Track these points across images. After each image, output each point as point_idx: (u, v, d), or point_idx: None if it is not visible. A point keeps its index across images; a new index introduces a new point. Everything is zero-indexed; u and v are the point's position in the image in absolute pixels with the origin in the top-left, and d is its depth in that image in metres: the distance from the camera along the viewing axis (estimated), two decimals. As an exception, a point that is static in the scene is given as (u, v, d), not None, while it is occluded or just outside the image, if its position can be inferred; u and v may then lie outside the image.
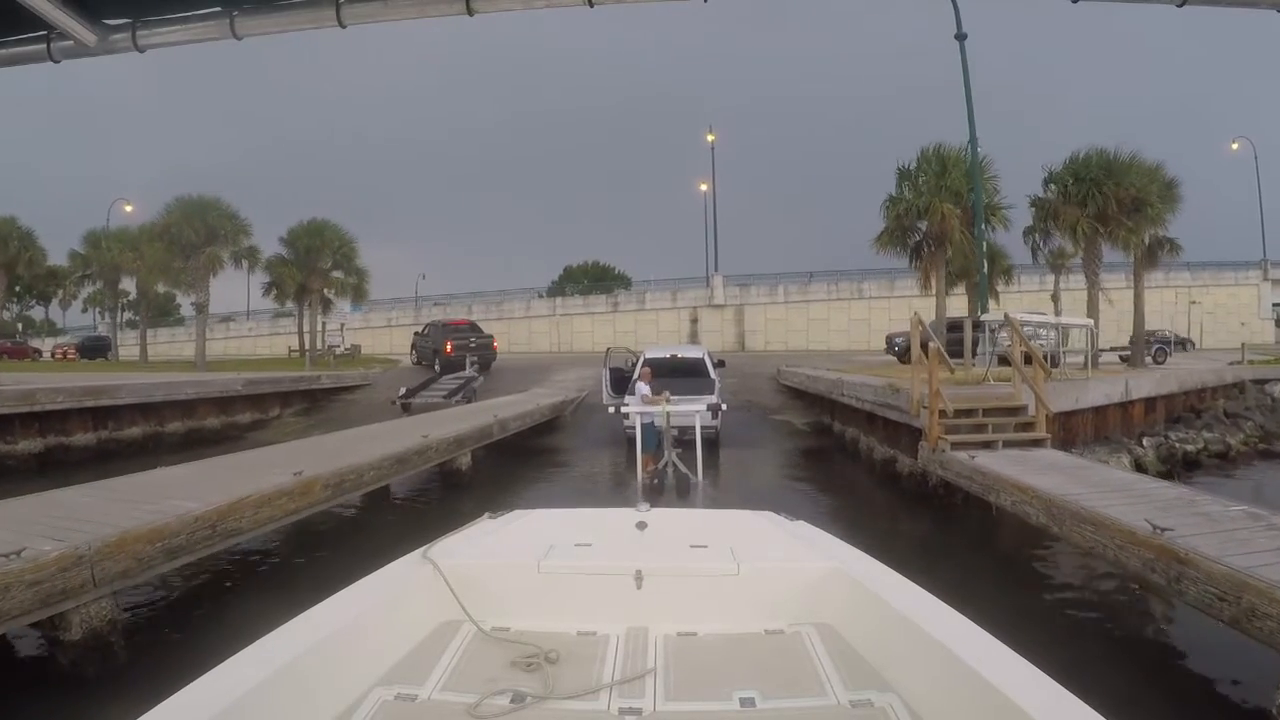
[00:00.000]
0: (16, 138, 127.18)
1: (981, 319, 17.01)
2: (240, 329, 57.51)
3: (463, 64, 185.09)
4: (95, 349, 43.92)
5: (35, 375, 23.63)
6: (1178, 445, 14.24)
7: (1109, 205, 19.11)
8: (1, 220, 35.19)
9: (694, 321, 49.60)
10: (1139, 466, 12.30)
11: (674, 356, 16.99)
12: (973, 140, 18.68)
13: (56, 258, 40.54)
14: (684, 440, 11.39)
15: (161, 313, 57.95)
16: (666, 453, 10.95)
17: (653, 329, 48.05)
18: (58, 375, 23.56)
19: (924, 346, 10.45)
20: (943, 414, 9.70)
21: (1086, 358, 15.71)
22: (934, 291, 21.15)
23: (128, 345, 42.99)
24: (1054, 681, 2.03)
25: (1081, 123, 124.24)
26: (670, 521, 3.89)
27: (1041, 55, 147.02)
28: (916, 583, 2.96)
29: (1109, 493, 6.70)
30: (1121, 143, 20.04)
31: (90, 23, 3.17)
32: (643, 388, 12.47)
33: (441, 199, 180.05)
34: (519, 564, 3.21)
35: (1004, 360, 14.12)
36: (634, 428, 11.50)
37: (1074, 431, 12.24)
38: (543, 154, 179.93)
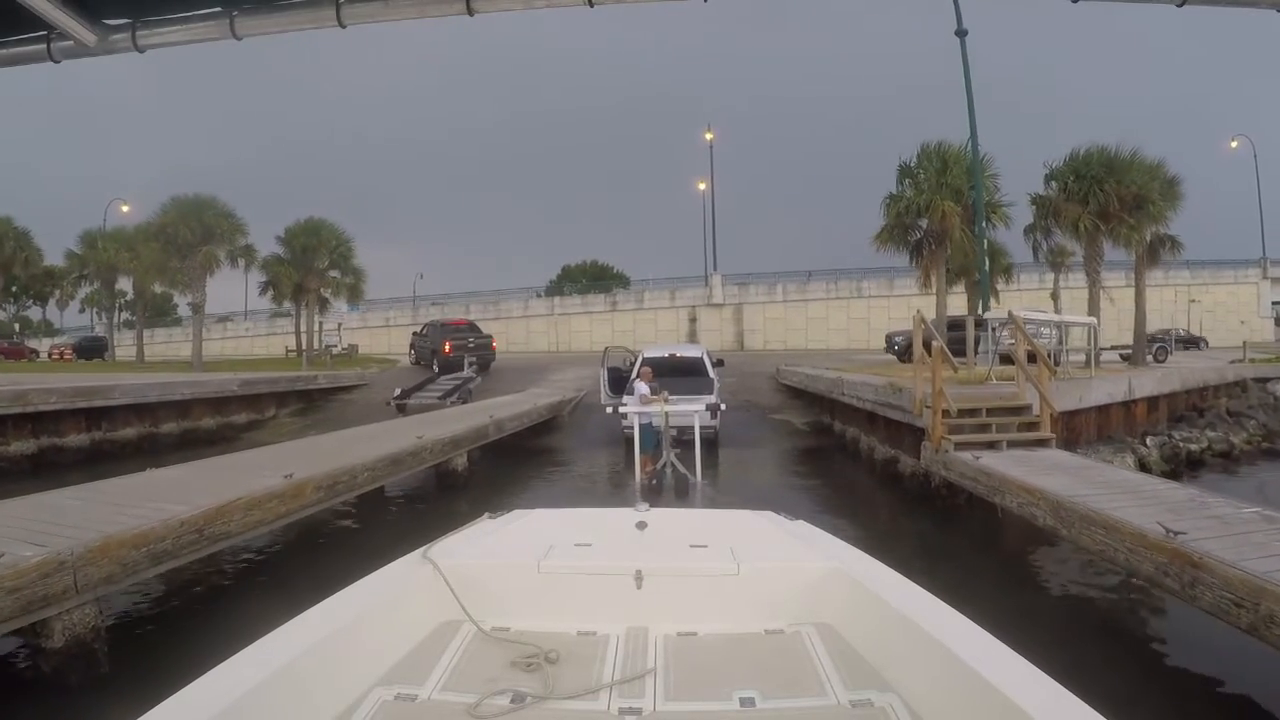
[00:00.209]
0: (16, 138, 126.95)
1: (984, 317, 16.87)
2: (238, 329, 57.31)
3: (463, 64, 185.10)
4: (92, 349, 43.73)
5: (30, 375, 23.47)
6: (1181, 444, 14.12)
7: (1110, 203, 18.95)
8: (-3, 220, 35.00)
9: (693, 321, 49.46)
10: (1143, 466, 12.18)
11: (672, 356, 16.84)
12: (973, 137, 18.52)
13: (55, 258, 40.52)
14: (683, 440, 11.26)
15: (159, 313, 57.84)
16: (665, 453, 10.81)
17: (651, 328, 47.92)
18: (52, 375, 23.39)
19: (926, 345, 10.29)
20: (946, 414, 9.55)
21: (1090, 356, 15.56)
22: (934, 290, 21.00)
23: (125, 345, 42.86)
24: (1054, 681, 2.02)
25: (1081, 122, 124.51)
26: (670, 521, 3.88)
27: (1041, 55, 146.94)
28: (918, 583, 2.94)
29: (1118, 494, 6.56)
30: (1122, 140, 19.88)
31: (90, 23, 3.17)
32: (641, 387, 12.32)
33: (440, 199, 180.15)
34: (519, 564, 3.21)
35: (1005, 359, 14.00)
36: (632, 428, 11.37)
37: (1077, 431, 12.10)
38: (542, 154, 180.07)
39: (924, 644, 2.42)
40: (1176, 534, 5.01)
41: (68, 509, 6.19)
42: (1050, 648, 3.00)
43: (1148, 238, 20.49)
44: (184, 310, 42.00)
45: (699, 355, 17.19)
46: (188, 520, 5.90)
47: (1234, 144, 54.24)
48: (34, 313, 61.82)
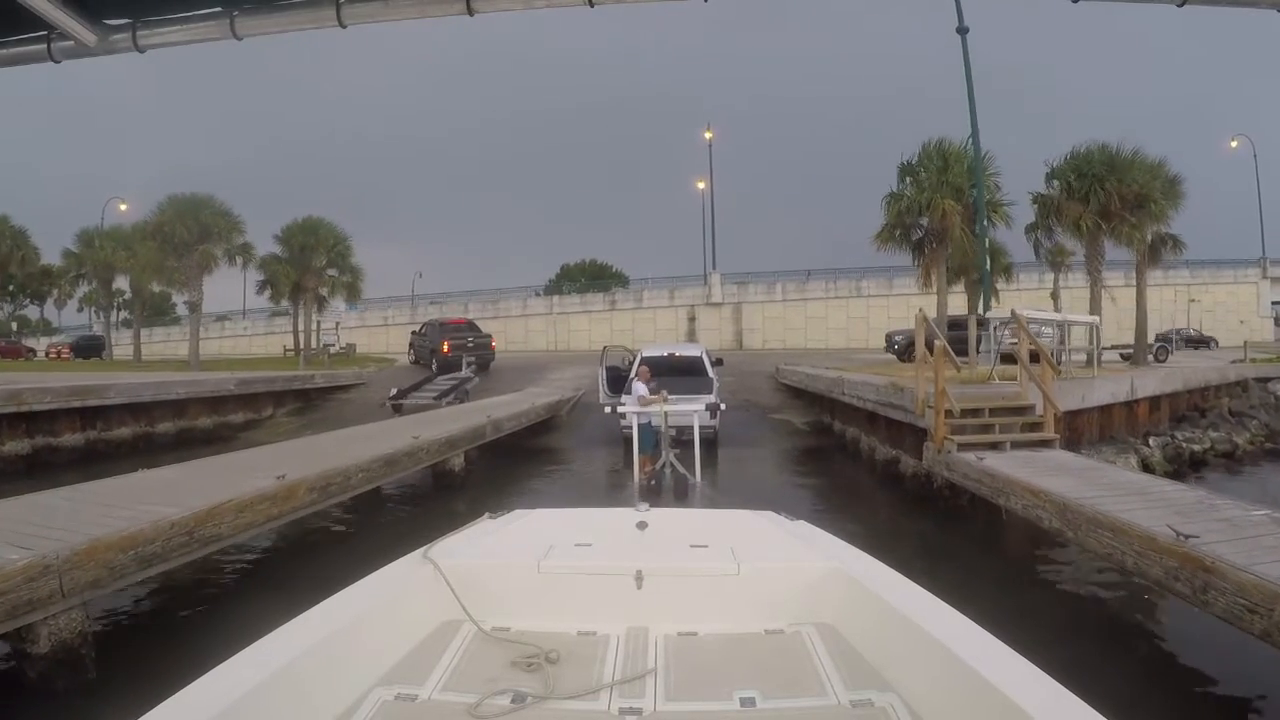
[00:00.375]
0: (15, 136, 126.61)
1: (987, 316, 16.77)
2: (236, 328, 57.15)
3: (462, 63, 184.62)
4: (89, 348, 43.60)
5: (27, 374, 23.31)
6: (1184, 445, 14.04)
7: (1112, 201, 18.84)
8: (-6, 219, 34.87)
9: (692, 320, 49.33)
10: (1146, 467, 12.09)
11: (672, 355, 16.72)
12: (975, 135, 18.40)
13: (53, 257, 40.41)
14: (682, 440, 11.15)
15: (157, 312, 57.62)
16: (664, 453, 10.69)
17: (650, 327, 47.83)
18: (48, 375, 23.24)
19: (928, 344, 10.18)
20: (949, 414, 9.43)
21: (1093, 356, 15.47)
22: (934, 289, 20.89)
23: (123, 345, 42.65)
24: (1054, 681, 2.02)
25: (1081, 122, 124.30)
26: (670, 521, 3.88)
27: (1041, 55, 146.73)
28: (919, 583, 2.94)
29: (1125, 496, 6.45)
30: (1123, 139, 19.77)
31: (90, 23, 3.17)
32: (640, 387, 12.20)
33: (440, 198, 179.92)
34: (519, 564, 3.20)
35: (1006, 358, 13.89)
36: (631, 428, 11.26)
37: (1079, 431, 12.01)
38: (541, 153, 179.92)
39: (924, 644, 2.42)
40: (1187, 537, 4.90)
41: (56, 510, 6.08)
42: (1051, 647, 2.97)
43: (1149, 237, 20.37)
44: (182, 309, 41.81)
45: (698, 354, 17.07)
46: (178, 522, 5.78)
47: (1234, 144, 54.22)
48: (33, 312, 61.68)
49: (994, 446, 9.33)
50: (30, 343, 51.36)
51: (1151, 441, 13.49)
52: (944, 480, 9.60)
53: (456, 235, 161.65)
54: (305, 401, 22.70)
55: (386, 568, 3.19)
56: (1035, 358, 10.57)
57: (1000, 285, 26.35)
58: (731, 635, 2.92)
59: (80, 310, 53.09)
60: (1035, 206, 21.05)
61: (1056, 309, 27.96)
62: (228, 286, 50.54)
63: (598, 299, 52.76)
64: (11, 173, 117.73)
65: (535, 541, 3.40)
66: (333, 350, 33.64)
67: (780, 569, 3.21)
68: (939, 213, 19.26)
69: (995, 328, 15.58)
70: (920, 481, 10.58)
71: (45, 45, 3.27)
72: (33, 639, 4.88)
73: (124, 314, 47.85)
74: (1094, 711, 1.86)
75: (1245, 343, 30.11)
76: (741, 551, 3.24)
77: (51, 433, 15.66)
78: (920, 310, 11.30)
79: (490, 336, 28.94)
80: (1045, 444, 9.50)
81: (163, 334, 54.74)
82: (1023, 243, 23.13)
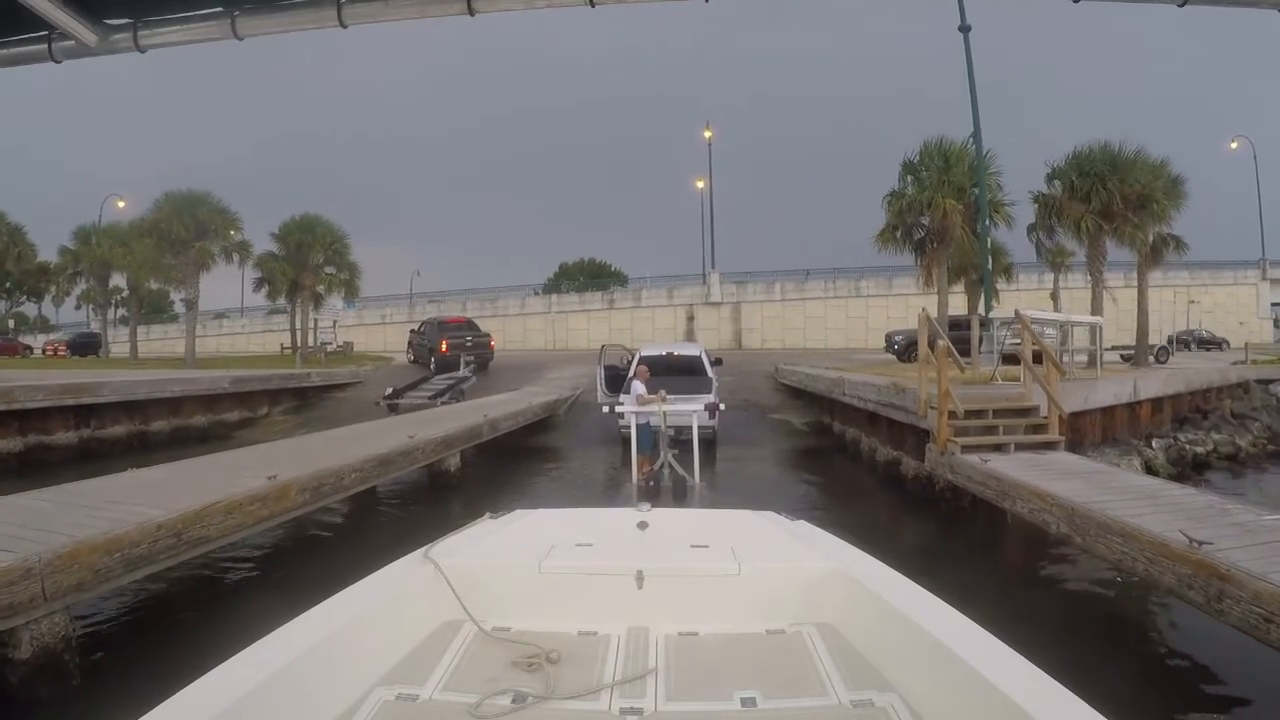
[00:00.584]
0: (15, 134, 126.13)
1: (989, 316, 16.65)
2: (234, 326, 57.10)
3: (462, 63, 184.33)
4: (86, 346, 43.43)
5: (22, 372, 23.13)
6: (1187, 447, 13.93)
7: (1114, 201, 18.69)
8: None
9: (690, 319, 49.21)
10: (1149, 469, 11.98)
11: (670, 354, 16.58)
12: (977, 134, 18.30)
13: (53, 254, 40.21)
14: (680, 440, 11.01)
15: (155, 310, 57.47)
16: (663, 454, 10.55)
17: (649, 326, 47.76)
18: (42, 372, 23.08)
19: (930, 344, 10.04)
20: (952, 415, 9.30)
21: (1096, 357, 15.36)
22: (934, 289, 20.77)
23: (120, 342, 42.45)
24: (1055, 681, 2.02)
25: (1082, 122, 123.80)
26: (671, 521, 3.89)
27: (1041, 55, 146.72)
28: (920, 584, 2.94)
29: (1134, 500, 6.31)
30: (1124, 139, 19.63)
31: (91, 23, 3.19)
32: (638, 386, 12.07)
33: (439, 197, 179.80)
34: (520, 564, 3.21)
35: (1008, 359, 13.76)
36: (629, 427, 11.13)
37: (1082, 433, 11.87)
38: (540, 152, 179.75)
39: (925, 644, 2.42)
40: (1201, 544, 4.76)
41: (40, 512, 5.92)
42: (1051, 649, 2.93)
43: (1151, 237, 20.24)
44: (180, 307, 41.67)
45: (697, 354, 16.93)
46: (164, 524, 5.64)
47: (1234, 145, 54.13)
48: (30, 310, 61.47)
49: (998, 448, 9.19)
50: (27, 340, 51.11)
51: (1154, 443, 13.36)
52: (946, 482, 9.47)
53: (455, 234, 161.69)
54: (301, 400, 22.55)
55: (387, 568, 3.18)
56: (1038, 358, 10.46)
57: (1000, 285, 26.26)
58: (732, 635, 2.92)
59: (78, 308, 52.96)
60: (1036, 206, 20.92)
61: (1056, 309, 27.88)
62: (226, 284, 50.55)
63: (596, 298, 52.64)
64: (9, 169, 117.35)
65: (536, 541, 3.40)
66: (330, 348, 33.46)
67: (781, 569, 3.21)
68: (940, 212, 19.14)
69: (996, 328, 15.44)
70: (922, 483, 10.45)
71: (46, 45, 3.29)
72: (14, 644, 4.76)
73: (121, 311, 47.68)
74: (1094, 711, 1.86)
75: (1246, 344, 29.98)
76: (742, 551, 3.24)
77: (44, 431, 15.51)
78: (923, 310, 11.16)
79: (489, 336, 28.70)
80: (1050, 446, 9.37)
81: (160, 331, 54.60)
82: (1022, 243, 23.06)
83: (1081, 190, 19.11)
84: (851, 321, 47.34)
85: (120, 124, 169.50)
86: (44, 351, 45.37)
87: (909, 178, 20.68)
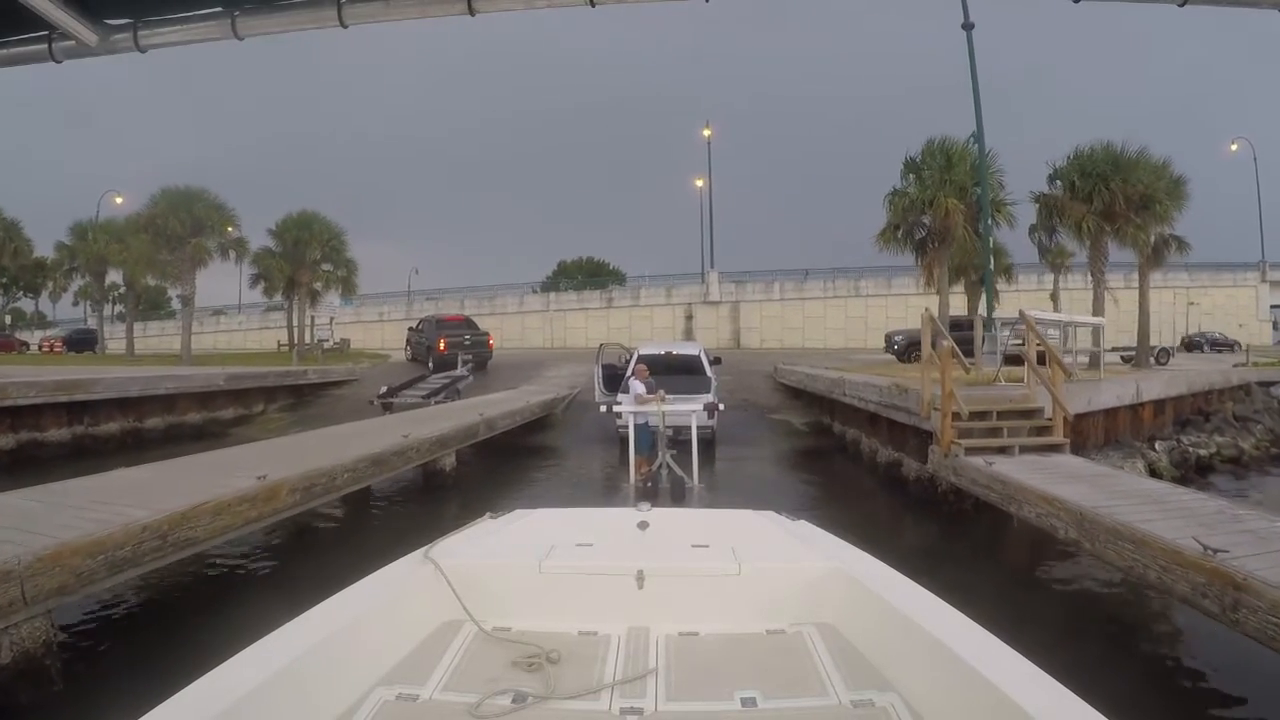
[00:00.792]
0: (15, 131, 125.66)
1: (992, 317, 16.53)
2: (231, 323, 56.96)
3: (462, 63, 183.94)
4: (82, 342, 43.37)
5: (17, 368, 22.95)
6: (1190, 450, 13.81)
7: (1116, 202, 18.57)
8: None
9: (689, 318, 49.12)
10: (1153, 471, 11.86)
11: (669, 354, 16.46)
12: (979, 132, 18.18)
13: (51, 250, 39.95)
14: (679, 441, 10.89)
15: (153, 306, 57.34)
16: (661, 454, 10.42)
17: (647, 325, 47.66)
18: (37, 368, 22.93)
19: (933, 344, 9.91)
20: (956, 416, 9.16)
21: (1099, 358, 15.24)
22: (935, 289, 20.67)
23: (117, 339, 42.28)
24: (1055, 681, 2.02)
25: (1081, 122, 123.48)
26: (671, 521, 3.89)
27: (1041, 56, 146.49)
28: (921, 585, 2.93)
29: (1142, 505, 6.18)
30: (1126, 139, 19.50)
31: (91, 23, 3.19)
32: (636, 386, 11.94)
33: (438, 196, 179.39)
34: (520, 564, 3.21)
35: (1010, 359, 13.62)
36: (626, 427, 11.00)
37: (1085, 434, 11.73)
38: (540, 151, 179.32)
39: (925, 644, 2.42)
40: (1216, 551, 4.63)
41: (23, 512, 5.76)
42: (1054, 651, 2.87)
43: (1152, 238, 20.12)
44: (177, 304, 41.50)
45: (696, 353, 16.81)
46: (150, 525, 5.48)
47: (1234, 147, 54.03)
48: (28, 305, 61.35)
49: (1002, 451, 9.04)
50: (24, 336, 50.96)
51: (1157, 446, 13.24)
52: (949, 485, 9.33)
53: (454, 233, 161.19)
54: (297, 397, 22.39)
55: (387, 567, 3.18)
56: (1041, 359, 10.33)
57: (1000, 286, 26.21)
58: (732, 635, 2.92)
59: (76, 304, 53.00)
60: (1038, 207, 20.82)
61: (1056, 310, 27.80)
62: (224, 281, 50.41)
63: (595, 296, 52.51)
64: (11, 170, 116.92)
65: (536, 541, 3.40)
66: (327, 346, 33.28)
67: (781, 569, 3.22)
68: (943, 211, 19.03)
69: (997, 328, 15.32)
70: (924, 485, 10.32)
71: (46, 45, 3.29)
72: (-7, 649, 4.58)
73: (119, 308, 47.53)
74: (1094, 711, 1.86)
75: (1247, 346, 29.90)
76: (742, 551, 3.24)
77: (37, 427, 15.37)
78: (927, 310, 11.06)
79: (488, 334, 28.42)
80: (1054, 448, 9.23)
81: (157, 328, 54.37)
82: (1023, 244, 22.98)
83: (1083, 191, 18.99)
84: (851, 321, 47.24)
85: (120, 122, 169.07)
86: (40, 348, 45.24)
87: (911, 176, 20.58)
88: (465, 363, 22.52)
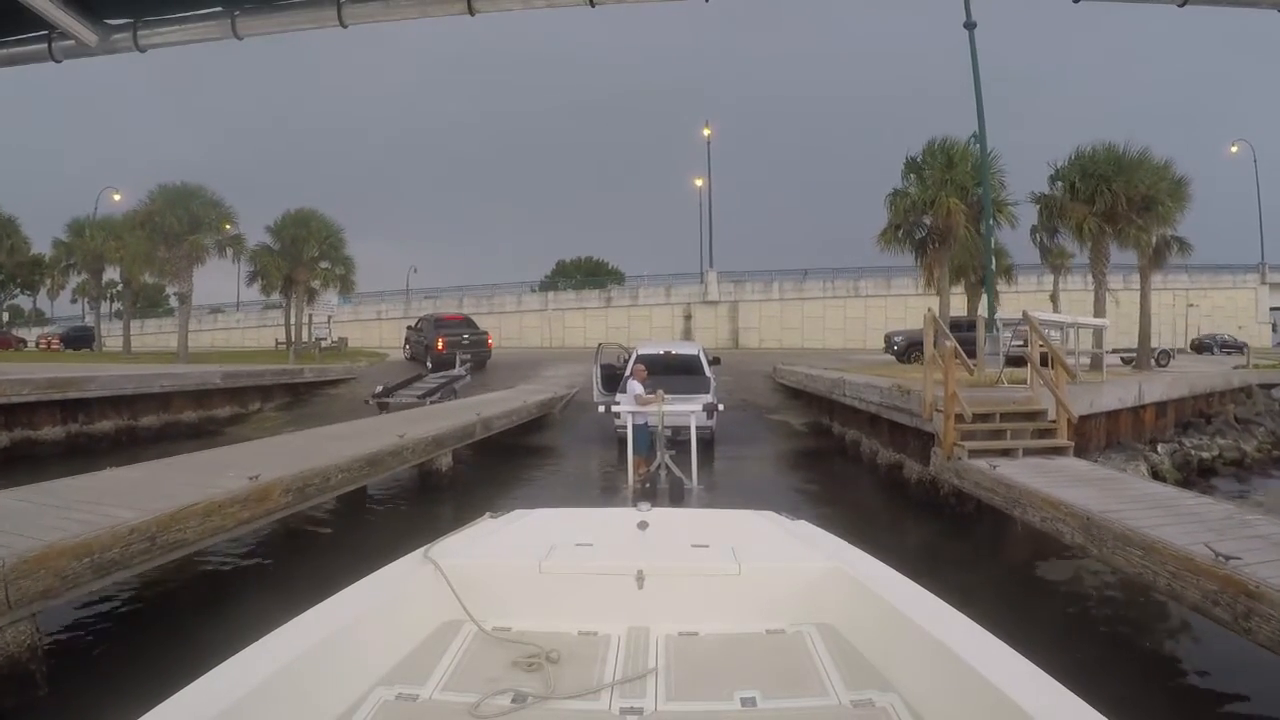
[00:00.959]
0: (15, 128, 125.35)
1: (995, 317, 16.43)
2: (229, 321, 56.86)
3: (461, 62, 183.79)
4: (80, 339, 43.25)
5: (11, 366, 22.79)
6: (1193, 452, 13.72)
7: (1118, 203, 18.45)
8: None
9: (688, 318, 49.06)
10: (1155, 474, 11.76)
11: (668, 354, 16.35)
12: (981, 132, 18.10)
13: (49, 247, 39.78)
14: (677, 441, 10.78)
15: (151, 304, 57.22)
16: (660, 455, 10.31)
17: (646, 325, 47.58)
18: (33, 366, 22.78)
19: (935, 345, 9.79)
20: (959, 418, 9.05)
21: (1102, 360, 15.13)
22: (935, 289, 20.57)
23: (114, 336, 42.13)
24: (1055, 681, 2.02)
25: (1081, 123, 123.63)
26: (671, 521, 3.88)
27: (1040, 56, 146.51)
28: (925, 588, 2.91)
29: (1150, 510, 6.06)
30: (1127, 140, 19.37)
31: (91, 23, 3.20)
32: (635, 386, 11.83)
33: (438, 195, 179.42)
34: (520, 564, 3.21)
35: (1011, 361, 13.51)
36: (625, 427, 10.89)
37: (1087, 437, 11.62)
38: (539, 150, 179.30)
39: (925, 644, 2.42)
40: (1228, 558, 4.52)
41: (10, 512, 5.65)
42: (1057, 654, 2.85)
43: (1154, 240, 20.01)
44: (175, 302, 41.30)
45: (695, 353, 16.70)
46: (138, 527, 5.36)
47: (1234, 149, 54.02)
48: (26, 303, 61.21)
49: (1005, 453, 8.91)
50: (22, 333, 50.81)
51: (1160, 449, 13.15)
52: (951, 487, 9.22)
53: (452, 232, 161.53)
54: (294, 396, 22.25)
55: (387, 567, 3.17)
56: (1044, 360, 10.22)
57: (1000, 287, 26.13)
58: (732, 635, 2.92)
59: (74, 301, 52.76)
60: (1039, 207, 20.70)
61: (1056, 311, 27.73)
62: (222, 279, 50.18)
63: (593, 296, 52.43)
64: (11, 168, 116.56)
65: (536, 541, 3.40)
66: (324, 344, 33.09)
67: (781, 569, 3.22)
68: (944, 211, 18.93)
69: (999, 329, 15.22)
70: (926, 488, 10.21)
71: (46, 45, 3.31)
72: (-25, 654, 4.48)
73: (116, 305, 47.40)
74: (1094, 711, 1.86)
75: (1249, 348, 29.81)
76: (742, 551, 3.24)
77: (31, 425, 15.23)
78: (930, 310, 10.94)
79: (487, 334, 28.15)
80: (1059, 451, 9.10)
81: (155, 326, 54.28)
82: (1023, 245, 22.87)
83: (1084, 192, 18.86)
84: (850, 322, 47.18)
85: (120, 118, 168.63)
86: (38, 345, 45.11)
87: (912, 176, 20.48)
88: (464, 362, 22.33)
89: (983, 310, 19.46)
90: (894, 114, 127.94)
